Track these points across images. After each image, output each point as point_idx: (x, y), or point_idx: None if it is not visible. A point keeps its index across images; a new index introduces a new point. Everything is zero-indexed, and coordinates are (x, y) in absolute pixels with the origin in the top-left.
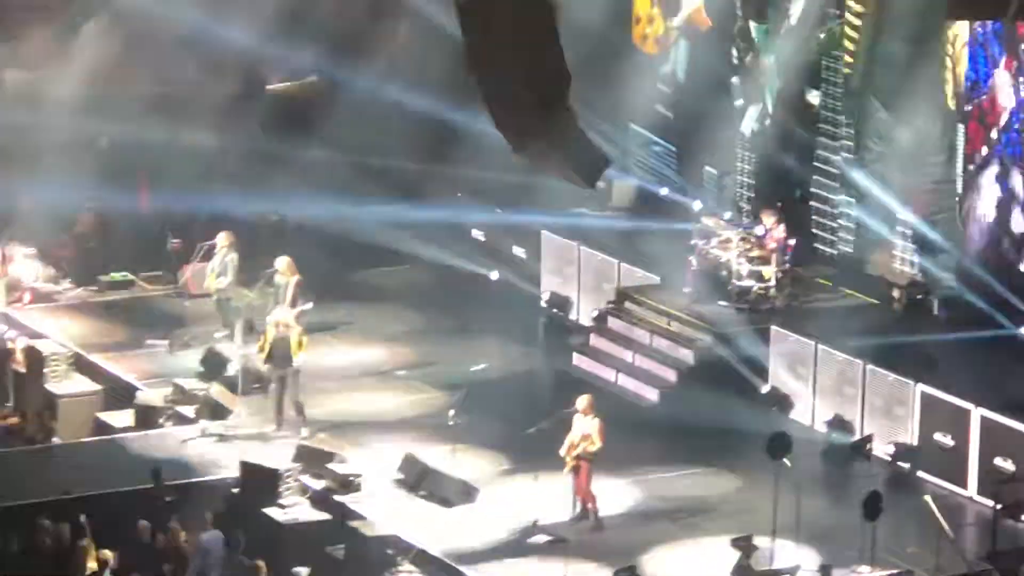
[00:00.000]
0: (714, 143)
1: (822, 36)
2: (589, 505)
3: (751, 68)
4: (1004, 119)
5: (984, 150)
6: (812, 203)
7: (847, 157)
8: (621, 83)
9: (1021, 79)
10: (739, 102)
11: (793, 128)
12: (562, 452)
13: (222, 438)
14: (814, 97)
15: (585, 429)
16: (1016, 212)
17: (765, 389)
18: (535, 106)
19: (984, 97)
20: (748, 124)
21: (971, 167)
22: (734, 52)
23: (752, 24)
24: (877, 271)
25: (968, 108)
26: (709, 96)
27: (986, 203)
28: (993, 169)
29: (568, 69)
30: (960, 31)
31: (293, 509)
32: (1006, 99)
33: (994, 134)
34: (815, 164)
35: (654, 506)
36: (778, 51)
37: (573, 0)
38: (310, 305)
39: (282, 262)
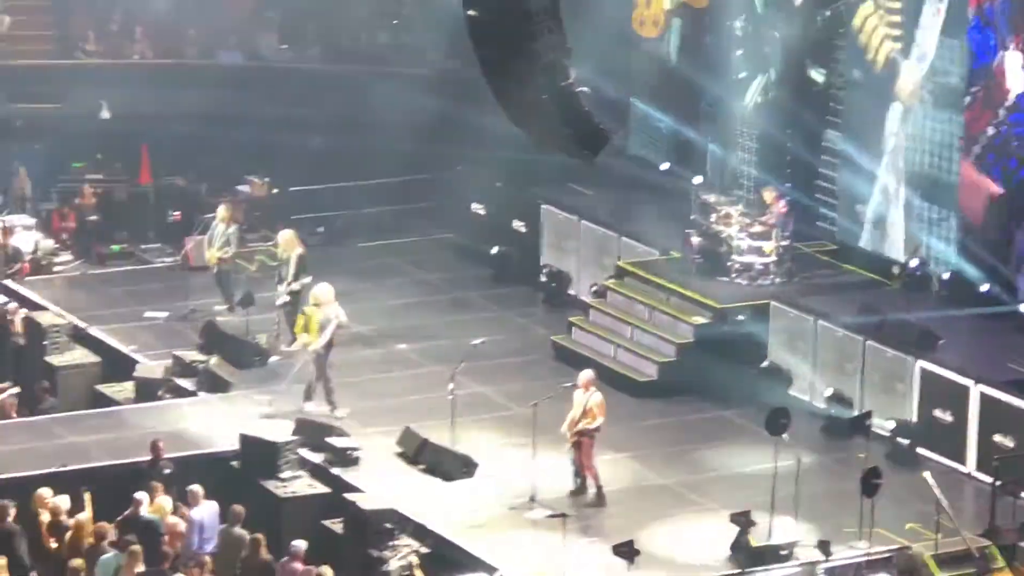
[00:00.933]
0: (715, 120)
1: (828, 14)
2: (591, 480)
3: (755, 39)
4: (1011, 99)
5: (990, 131)
6: (816, 181)
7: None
8: (623, 61)
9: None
10: (742, 74)
11: (795, 105)
12: (563, 428)
13: (222, 411)
14: (818, 75)
15: (586, 404)
16: (1016, 192)
17: (764, 365)
18: (536, 80)
19: (991, 79)
20: (752, 96)
21: (976, 148)
22: (737, 24)
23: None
24: (875, 247)
25: (974, 89)
26: (707, 74)
27: (988, 182)
28: (999, 149)
29: (568, 43)
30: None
31: (292, 482)
32: (1014, 80)
33: (1001, 114)
34: (821, 142)
35: (653, 481)
36: (780, 26)
37: None
38: (309, 279)
39: (284, 235)
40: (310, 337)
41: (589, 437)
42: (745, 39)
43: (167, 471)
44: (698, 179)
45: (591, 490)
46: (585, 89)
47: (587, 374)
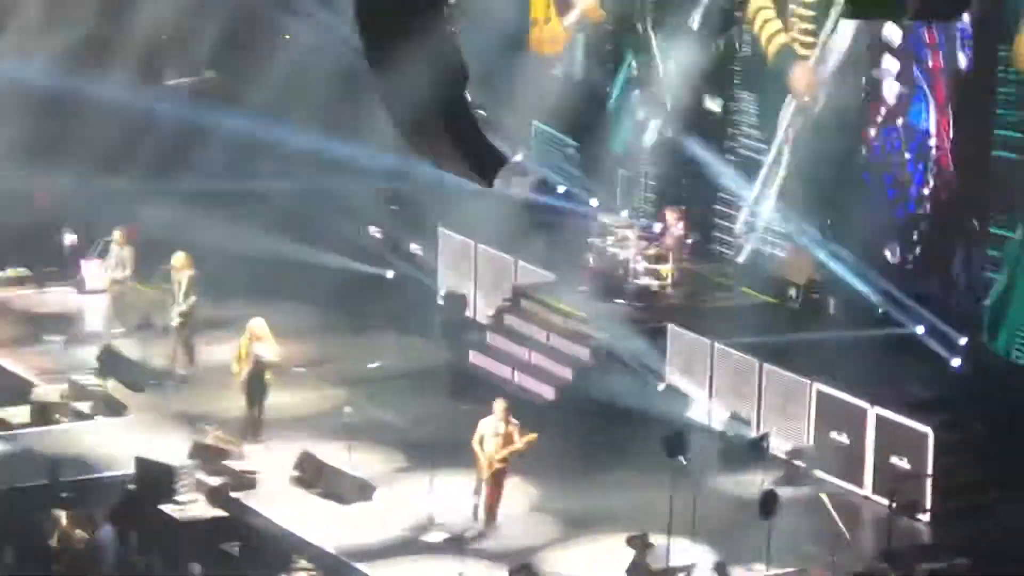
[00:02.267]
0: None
1: (722, 43)
2: (492, 503)
3: (650, 79)
4: (882, 114)
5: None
6: (715, 205)
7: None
8: (522, 84)
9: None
10: (640, 115)
11: (693, 135)
12: (486, 462)
13: (118, 434)
14: (714, 104)
15: (505, 430)
16: (898, 210)
17: (661, 387)
18: (431, 101)
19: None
20: (650, 136)
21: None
22: (632, 63)
23: (651, 32)
24: (777, 271)
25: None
26: (607, 92)
27: (874, 203)
28: (876, 166)
29: (465, 63)
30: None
31: (189, 506)
32: (889, 91)
33: (873, 131)
34: (718, 165)
35: (550, 504)
36: (677, 58)
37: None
38: (192, 300)
39: (178, 258)
40: (239, 366)
41: (505, 465)
42: (641, 78)
43: (63, 495)
44: (594, 201)
45: (485, 513)
46: (481, 112)
47: (502, 404)
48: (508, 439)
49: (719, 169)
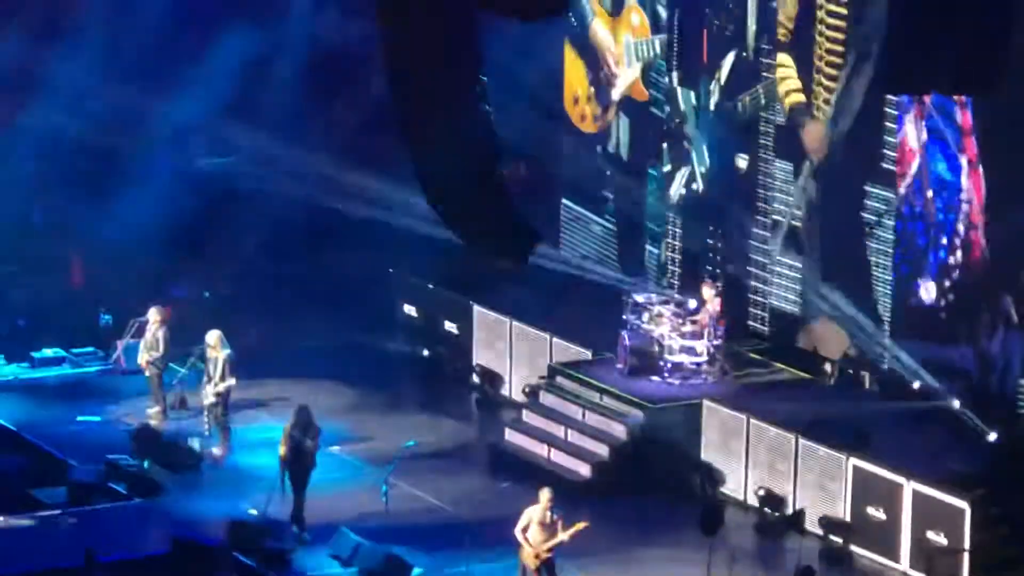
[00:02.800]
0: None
1: (749, 99)
2: None
3: (678, 132)
4: (914, 166)
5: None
6: (745, 280)
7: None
8: (559, 160)
9: (924, 124)
10: (667, 167)
11: (722, 196)
12: (531, 553)
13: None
14: (742, 161)
15: (549, 521)
16: (924, 280)
17: (698, 463)
18: (464, 179)
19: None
20: (676, 188)
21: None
22: (662, 117)
23: (679, 89)
24: (809, 345)
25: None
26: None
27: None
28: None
29: (499, 139)
30: None
31: None
32: (913, 142)
33: (902, 188)
34: (746, 235)
35: None
36: (704, 115)
37: (506, 77)
38: (233, 381)
39: (212, 336)
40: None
41: (552, 554)
42: (669, 132)
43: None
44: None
45: None
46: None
47: (548, 493)
48: (553, 529)
49: (749, 232)
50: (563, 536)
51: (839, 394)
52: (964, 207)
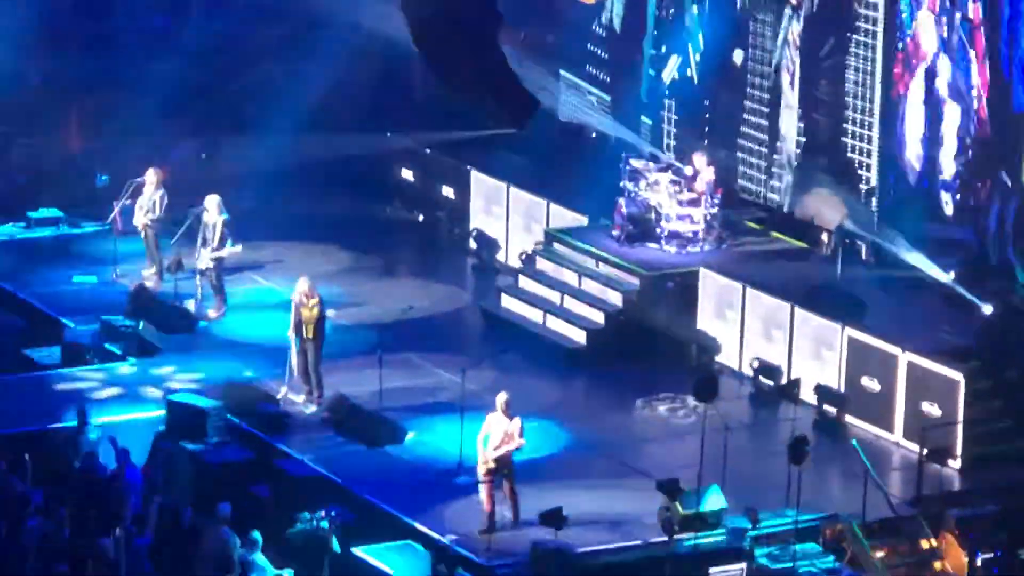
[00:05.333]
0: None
1: None
2: (511, 508)
3: (672, 22)
4: (927, 61)
5: (907, 92)
6: (739, 153)
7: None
8: (556, 29)
9: (943, 19)
10: (661, 50)
11: (715, 85)
12: (482, 463)
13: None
14: (738, 57)
15: (507, 428)
16: (942, 154)
17: (693, 331)
18: (466, 46)
19: (909, 38)
20: (669, 73)
21: (899, 110)
22: (653, 5)
23: None
24: (806, 215)
25: (894, 49)
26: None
27: (910, 147)
28: (917, 112)
29: (498, 10)
30: None
31: (218, 448)
32: (929, 41)
33: (919, 75)
34: (744, 112)
35: (580, 448)
36: (699, 7)
37: None
38: (239, 248)
39: (211, 201)
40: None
41: (507, 464)
42: (663, 21)
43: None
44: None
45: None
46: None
47: (504, 397)
48: (509, 438)
49: (740, 112)
50: (508, 447)
51: (835, 264)
52: (974, 102)
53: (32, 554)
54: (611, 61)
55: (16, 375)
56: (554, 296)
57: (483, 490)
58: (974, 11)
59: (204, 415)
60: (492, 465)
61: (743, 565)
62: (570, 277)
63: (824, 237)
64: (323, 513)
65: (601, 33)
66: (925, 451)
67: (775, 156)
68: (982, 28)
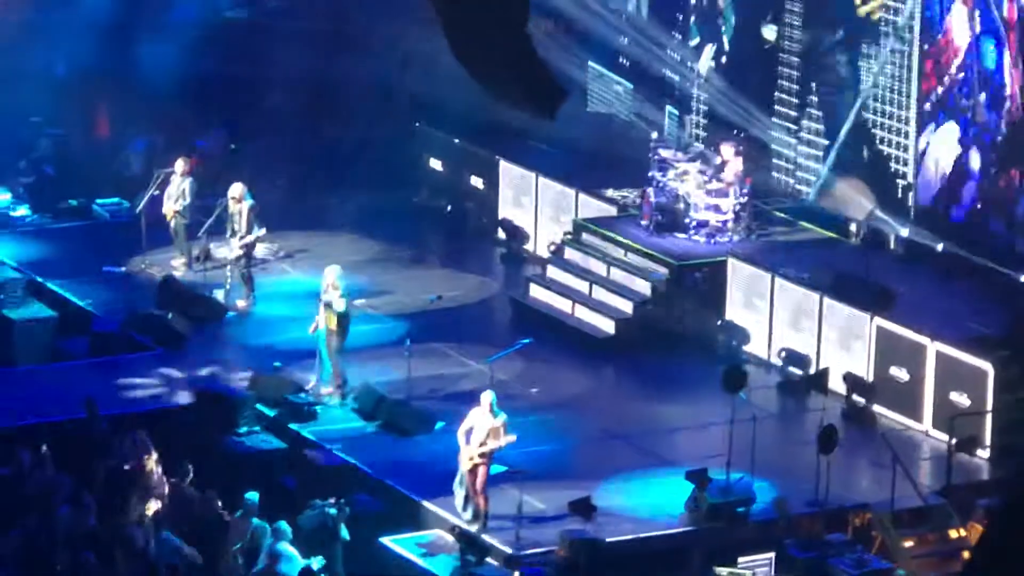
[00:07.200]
0: (673, 83)
1: None
2: (481, 505)
3: (707, 7)
4: (959, 58)
5: (940, 89)
6: (771, 145)
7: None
8: (582, 20)
9: (977, 13)
10: (695, 41)
11: (749, 65)
12: (465, 456)
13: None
14: (770, 32)
15: (492, 425)
16: (972, 153)
17: (721, 321)
18: (494, 33)
19: (940, 35)
20: (705, 64)
21: (927, 107)
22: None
23: None
24: (835, 206)
25: (926, 47)
26: (670, 35)
27: (940, 144)
28: (949, 108)
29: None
30: None
31: (247, 437)
32: (961, 37)
33: (952, 71)
34: (774, 100)
35: (609, 438)
36: None
37: None
38: (263, 231)
39: (236, 189)
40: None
41: (487, 460)
42: (698, 6)
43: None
44: (654, 134)
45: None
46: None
47: (490, 395)
48: (494, 434)
49: (777, 106)
50: (496, 443)
51: (864, 253)
52: (1007, 101)
53: (61, 542)
54: (639, 50)
55: (45, 365)
56: (583, 286)
57: (469, 483)
58: (1008, 9)
59: (234, 405)
60: (478, 461)
61: (772, 554)
62: (598, 267)
63: (853, 227)
64: (332, 500)
65: (629, 22)
66: (954, 441)
67: (802, 147)
68: (1015, 25)
